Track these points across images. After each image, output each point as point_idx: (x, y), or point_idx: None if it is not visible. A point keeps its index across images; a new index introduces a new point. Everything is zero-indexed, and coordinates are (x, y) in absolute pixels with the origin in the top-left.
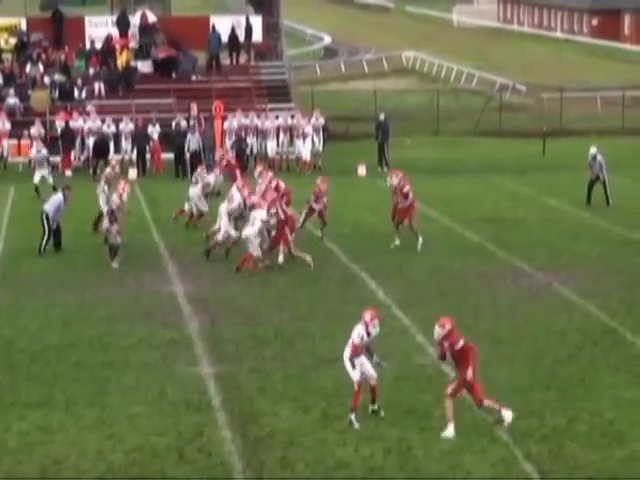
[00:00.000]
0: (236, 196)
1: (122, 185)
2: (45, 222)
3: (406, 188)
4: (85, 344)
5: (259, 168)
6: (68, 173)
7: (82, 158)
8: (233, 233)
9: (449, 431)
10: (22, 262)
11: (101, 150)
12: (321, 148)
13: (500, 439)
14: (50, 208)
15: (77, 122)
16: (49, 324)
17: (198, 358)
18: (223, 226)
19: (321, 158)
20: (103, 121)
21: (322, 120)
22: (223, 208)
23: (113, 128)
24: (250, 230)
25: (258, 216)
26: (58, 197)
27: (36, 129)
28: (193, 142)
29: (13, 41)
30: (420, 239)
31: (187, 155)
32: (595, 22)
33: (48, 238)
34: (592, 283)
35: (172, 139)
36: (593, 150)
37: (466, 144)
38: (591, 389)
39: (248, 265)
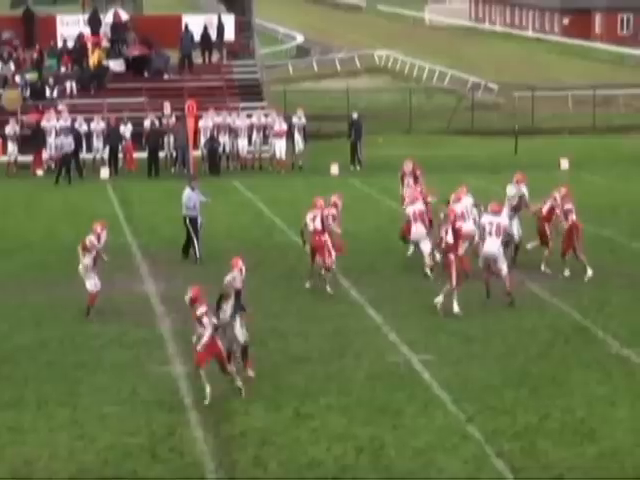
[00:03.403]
0: None
1: (98, 227)
2: None
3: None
4: (56, 344)
5: None
6: (39, 173)
7: (54, 157)
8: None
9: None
10: None
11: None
12: (303, 147)
13: (472, 437)
14: None
15: (49, 122)
16: (20, 324)
17: (170, 357)
18: None
19: (303, 157)
20: (74, 120)
21: (304, 119)
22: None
23: (85, 127)
24: None
25: None
26: None
27: (10, 127)
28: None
29: None
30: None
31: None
32: (566, 21)
33: None
34: (563, 281)
35: (146, 138)
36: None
37: (438, 143)
38: (563, 386)
39: None
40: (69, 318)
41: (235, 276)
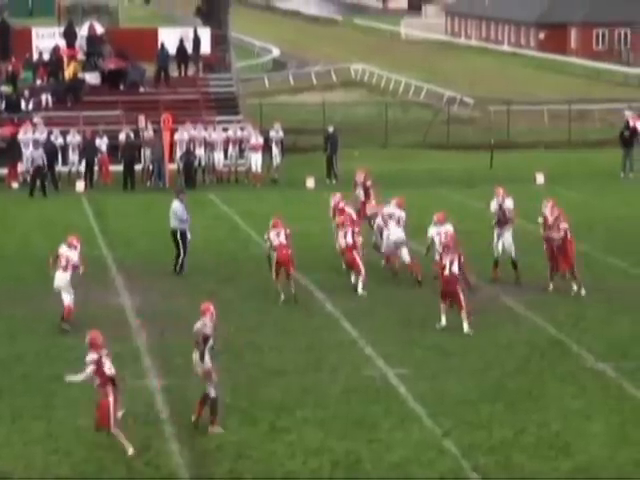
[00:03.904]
0: None
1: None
2: None
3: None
4: (31, 357)
5: None
6: (15, 185)
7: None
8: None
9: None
10: None
11: (47, 162)
12: (280, 161)
13: (448, 451)
14: None
15: (25, 134)
16: None
17: (146, 371)
18: None
19: (279, 171)
20: (50, 133)
21: (281, 133)
22: None
23: (61, 140)
24: None
25: None
26: None
27: None
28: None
29: None
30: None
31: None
32: (542, 36)
33: None
34: (539, 295)
35: (122, 151)
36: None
37: (414, 156)
38: (538, 401)
39: None
40: (44, 331)
41: (205, 323)
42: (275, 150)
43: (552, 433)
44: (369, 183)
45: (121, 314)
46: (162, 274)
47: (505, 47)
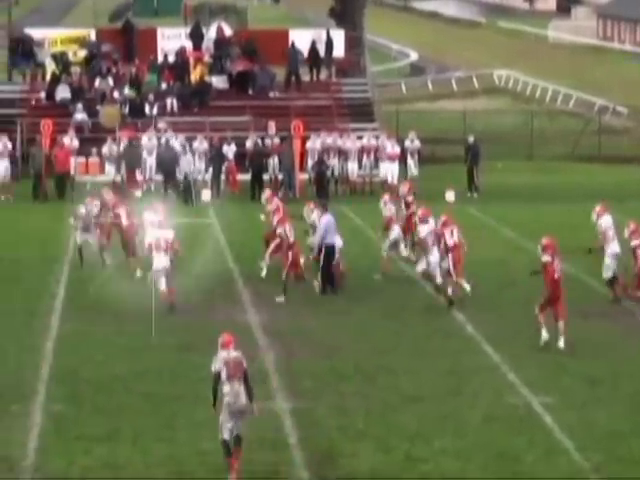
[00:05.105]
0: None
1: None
2: None
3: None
4: (154, 375)
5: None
6: (138, 194)
7: (153, 178)
8: None
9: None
10: (88, 288)
11: (168, 170)
12: (416, 172)
13: None
14: None
15: (149, 141)
16: (116, 353)
17: (273, 393)
18: None
19: (417, 183)
20: (175, 139)
21: (417, 142)
22: None
23: (186, 147)
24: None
25: None
26: None
27: (107, 148)
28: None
29: (82, 53)
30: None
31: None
32: None
33: None
34: None
35: (249, 159)
36: None
37: (562, 169)
38: None
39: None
40: (168, 348)
41: (218, 357)
42: (410, 161)
43: None
44: (411, 198)
45: (248, 331)
46: (293, 290)
47: None
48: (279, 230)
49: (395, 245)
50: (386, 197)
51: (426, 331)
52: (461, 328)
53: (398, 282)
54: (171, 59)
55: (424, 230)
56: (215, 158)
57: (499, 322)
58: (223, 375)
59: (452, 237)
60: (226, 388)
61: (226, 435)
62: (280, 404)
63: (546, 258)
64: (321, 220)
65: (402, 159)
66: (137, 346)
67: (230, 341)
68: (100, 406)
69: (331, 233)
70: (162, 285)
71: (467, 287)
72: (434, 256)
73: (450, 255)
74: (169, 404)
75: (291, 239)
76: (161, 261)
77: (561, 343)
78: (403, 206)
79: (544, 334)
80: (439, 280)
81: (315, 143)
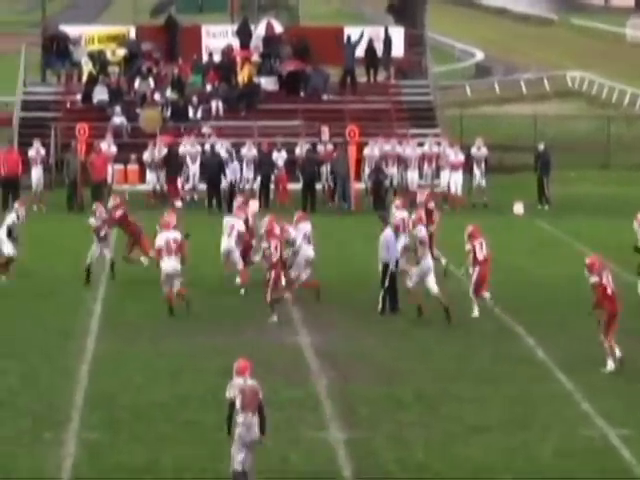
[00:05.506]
0: None
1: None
2: None
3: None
4: (197, 401)
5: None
6: (178, 204)
7: (197, 187)
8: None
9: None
10: (126, 305)
11: (213, 179)
12: (484, 182)
13: None
14: None
15: (193, 147)
16: (156, 377)
17: (327, 421)
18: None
19: (486, 194)
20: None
21: (485, 150)
22: None
23: (232, 153)
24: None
25: None
26: None
27: (149, 154)
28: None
29: (121, 52)
30: None
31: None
32: None
33: None
34: None
35: (300, 167)
36: None
37: None
38: None
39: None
40: (212, 371)
41: (232, 384)
42: (477, 170)
43: None
44: (432, 205)
45: (298, 354)
46: (348, 309)
47: None
48: (264, 244)
49: (404, 251)
50: (398, 202)
51: (493, 356)
52: (531, 353)
53: (464, 303)
54: (217, 58)
55: (422, 231)
56: (264, 166)
57: (572, 346)
58: (237, 404)
59: (482, 250)
60: (239, 418)
61: (238, 467)
62: (333, 434)
63: (593, 279)
64: (383, 235)
65: (467, 168)
66: (178, 369)
67: (246, 367)
68: (138, 435)
69: (392, 249)
70: (175, 286)
71: (487, 295)
72: (427, 262)
73: (477, 268)
74: (213, 433)
75: (274, 258)
76: (171, 264)
77: (610, 365)
78: (423, 215)
79: (610, 364)
80: (410, 285)
81: (372, 150)
